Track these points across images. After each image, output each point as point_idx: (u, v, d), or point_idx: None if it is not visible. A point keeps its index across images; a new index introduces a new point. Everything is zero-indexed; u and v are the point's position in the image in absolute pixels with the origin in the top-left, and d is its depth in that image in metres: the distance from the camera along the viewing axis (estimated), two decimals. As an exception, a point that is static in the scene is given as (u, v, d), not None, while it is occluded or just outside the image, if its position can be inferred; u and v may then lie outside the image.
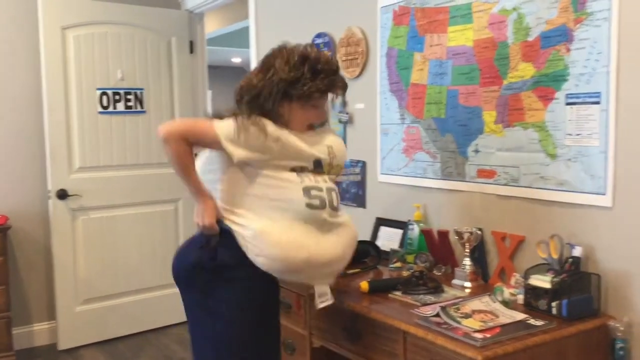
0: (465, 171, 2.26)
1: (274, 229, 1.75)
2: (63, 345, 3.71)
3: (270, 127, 1.76)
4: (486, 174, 2.18)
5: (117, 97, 3.81)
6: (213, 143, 1.78)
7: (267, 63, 1.83)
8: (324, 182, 1.83)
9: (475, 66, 2.19)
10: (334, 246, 1.84)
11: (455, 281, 2.11)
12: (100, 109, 3.75)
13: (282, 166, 1.79)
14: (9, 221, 3.52)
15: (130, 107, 3.86)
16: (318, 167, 1.84)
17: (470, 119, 2.22)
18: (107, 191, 3.81)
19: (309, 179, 1.80)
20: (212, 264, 1.78)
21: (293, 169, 1.79)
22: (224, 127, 1.76)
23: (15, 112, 3.67)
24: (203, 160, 1.89)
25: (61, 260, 3.67)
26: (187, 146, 1.78)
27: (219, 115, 1.85)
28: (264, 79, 1.79)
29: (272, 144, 1.75)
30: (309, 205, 1.77)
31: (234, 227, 1.79)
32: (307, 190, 1.78)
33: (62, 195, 3.64)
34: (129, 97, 3.85)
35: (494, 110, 2.13)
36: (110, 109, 3.79)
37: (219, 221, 1.80)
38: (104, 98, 3.76)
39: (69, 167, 3.67)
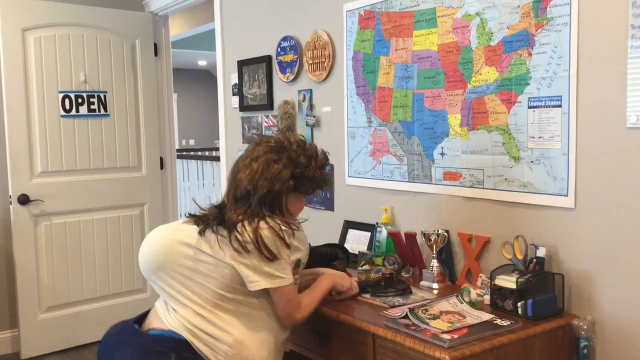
0: (431, 173, 2.27)
1: (251, 343, 1.75)
2: (26, 353, 3.61)
3: (287, 236, 1.76)
4: (452, 176, 2.19)
5: (80, 100, 3.73)
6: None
7: (268, 159, 1.81)
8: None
9: (440, 70, 2.21)
10: None
11: (423, 283, 2.12)
12: (63, 113, 3.66)
13: None
14: (-32, 228, 3.40)
15: (93, 111, 3.78)
16: (297, 267, 1.83)
17: (436, 122, 2.24)
18: (70, 196, 3.72)
19: None
20: None
21: None
22: (287, 276, 1.77)
23: (-26, 116, 3.56)
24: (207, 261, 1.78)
25: (23, 267, 3.57)
26: (298, 307, 1.83)
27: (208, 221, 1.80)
28: (272, 175, 1.79)
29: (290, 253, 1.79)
30: (283, 327, 1.85)
31: (208, 328, 1.73)
32: None
33: (24, 200, 3.55)
34: (92, 100, 3.77)
35: (459, 114, 2.15)
36: (73, 112, 3.70)
37: (170, 332, 1.74)
38: (67, 101, 3.68)
39: (31, 171, 3.58)
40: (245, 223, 1.74)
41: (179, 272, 1.77)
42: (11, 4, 3.48)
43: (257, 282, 1.72)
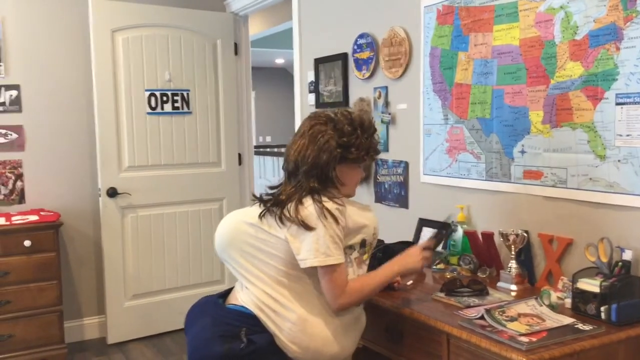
0: (510, 172, 2.22)
1: (315, 320, 1.77)
2: (112, 339, 3.81)
3: (338, 213, 1.75)
4: (533, 175, 2.13)
5: (164, 98, 3.88)
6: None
7: (315, 132, 1.82)
8: (361, 273, 1.84)
9: (522, 65, 2.15)
10: (354, 343, 1.87)
11: (500, 284, 2.07)
12: (149, 110, 3.83)
13: None
14: (61, 218, 3.63)
15: (177, 108, 3.93)
16: (363, 247, 1.84)
17: (516, 119, 2.18)
18: (154, 190, 3.89)
19: (354, 270, 1.81)
20: (245, 351, 1.73)
21: (344, 251, 1.78)
22: (334, 254, 1.73)
23: (68, 114, 3.79)
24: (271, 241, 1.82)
25: (111, 257, 3.77)
26: (342, 291, 1.77)
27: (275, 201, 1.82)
28: (319, 147, 1.80)
29: (342, 232, 1.76)
30: (351, 309, 1.83)
31: (273, 305, 1.77)
32: None
33: (112, 193, 3.74)
34: (176, 98, 3.92)
35: (541, 110, 2.08)
36: (158, 109, 3.86)
37: (242, 307, 1.80)
38: (152, 99, 3.84)
39: (119, 166, 3.77)
40: (293, 199, 1.77)
41: (245, 250, 1.83)
42: (102, 7, 3.67)
43: (303, 260, 1.73)
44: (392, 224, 2.83)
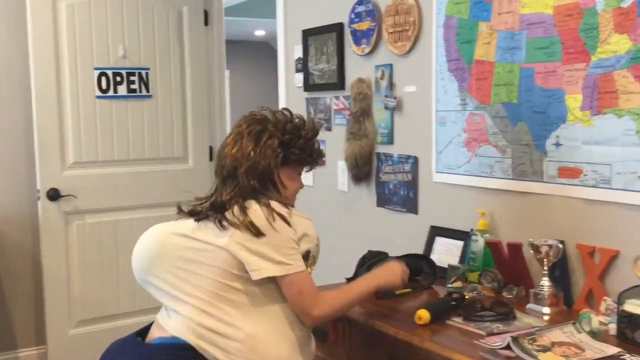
0: (542, 169, 2.22)
1: (266, 337, 1.83)
2: (54, 374, 3.79)
3: (289, 217, 1.88)
4: (570, 172, 2.14)
5: (118, 78, 3.86)
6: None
7: (254, 130, 1.95)
8: None
9: (556, 39, 2.15)
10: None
11: (530, 306, 2.08)
12: (99, 93, 3.81)
13: None
14: (-8, 227, 3.60)
15: (133, 91, 3.91)
16: (306, 259, 1.93)
17: (549, 104, 2.18)
18: (106, 191, 3.87)
19: None
20: None
21: None
22: (295, 262, 1.86)
23: (-1, 98, 3.76)
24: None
25: (52, 273, 3.74)
26: (315, 300, 1.89)
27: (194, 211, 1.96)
28: (260, 145, 1.93)
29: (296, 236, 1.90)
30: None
31: (215, 325, 1.81)
32: None
33: (54, 195, 3.71)
34: (132, 78, 3.90)
35: (580, 94, 2.09)
36: (110, 92, 3.84)
37: (173, 339, 1.84)
38: (103, 80, 3.82)
39: (62, 162, 3.74)
40: (234, 203, 1.87)
41: (177, 266, 1.89)
42: (42, -33, 3.64)
43: (258, 271, 1.82)
44: (398, 233, 2.83)
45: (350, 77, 3.09)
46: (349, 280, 2.44)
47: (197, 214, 1.93)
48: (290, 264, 1.83)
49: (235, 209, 1.86)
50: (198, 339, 1.81)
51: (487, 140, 2.41)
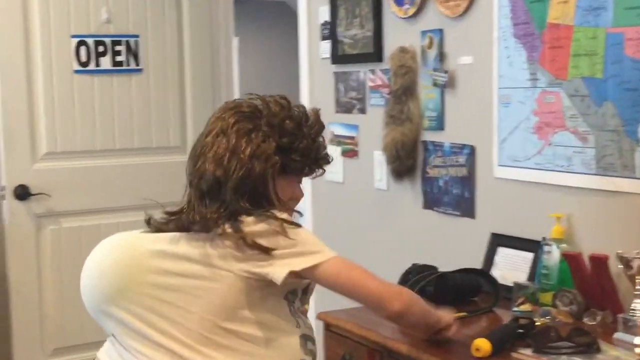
0: (635, 162, 2.21)
1: None
2: (23, 415, 3.83)
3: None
4: (669, 166, 2.12)
5: (100, 48, 3.90)
6: None
7: (241, 129, 1.88)
8: (310, 325, 1.95)
9: (653, -4, 2.13)
10: None
11: (619, 335, 2.06)
12: (77, 67, 3.84)
13: (279, 292, 1.86)
14: (-53, 232, 3.65)
15: (120, 64, 3.95)
16: (305, 294, 1.95)
17: (643, 79, 2.16)
18: (86, 188, 3.91)
19: (303, 320, 1.91)
20: None
21: (285, 297, 1.88)
22: (324, 247, 1.89)
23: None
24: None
25: (21, 292, 3.79)
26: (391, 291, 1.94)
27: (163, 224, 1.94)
28: (250, 152, 1.85)
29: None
30: None
31: None
32: (304, 340, 1.89)
33: (22, 194, 3.76)
34: (118, 48, 3.94)
35: (683, 66, 2.07)
36: (92, 66, 3.88)
37: None
38: (82, 50, 3.86)
39: (32, 153, 3.79)
40: (223, 223, 1.81)
41: (150, 294, 1.83)
42: None
43: (282, 268, 1.78)
44: (450, 242, 2.82)
45: (390, 45, 3.08)
46: None
47: (173, 231, 1.90)
48: (320, 250, 1.84)
49: (228, 230, 1.81)
50: None
51: (564, 125, 2.40)
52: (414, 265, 2.49)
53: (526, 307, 2.26)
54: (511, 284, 2.37)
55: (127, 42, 3.96)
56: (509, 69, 2.57)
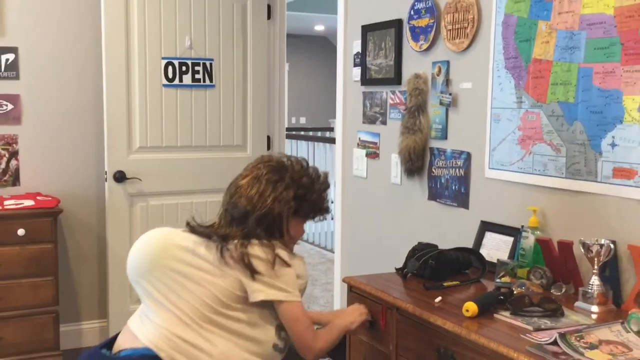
0: (597, 169, 2.18)
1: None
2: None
3: (288, 259, 1.97)
4: (625, 173, 2.09)
5: (184, 68, 3.93)
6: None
7: (271, 178, 2.00)
8: None
9: (616, 39, 2.10)
10: None
11: (578, 304, 2.04)
12: (165, 82, 3.88)
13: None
14: (61, 204, 3.71)
15: (198, 80, 3.97)
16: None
17: (606, 104, 2.14)
18: (169, 175, 3.96)
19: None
20: None
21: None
22: (295, 290, 1.97)
23: (73, 84, 3.86)
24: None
25: (116, 252, 3.83)
26: (313, 334, 2.04)
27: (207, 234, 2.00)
28: (275, 196, 1.98)
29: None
30: (275, 347, 1.98)
31: (193, 338, 1.85)
32: (279, 329, 1.98)
33: (120, 177, 3.80)
34: (197, 68, 3.96)
35: (638, 95, 2.04)
36: (176, 81, 3.91)
37: (144, 349, 1.87)
38: (170, 69, 3.89)
39: (128, 146, 3.83)
40: (237, 241, 1.93)
41: (170, 276, 1.93)
42: (116, -40, 3.72)
43: (259, 292, 1.89)
44: (449, 227, 2.81)
45: (407, 72, 3.06)
46: (397, 270, 2.44)
47: (201, 235, 1.99)
48: (291, 292, 1.93)
49: (238, 244, 1.92)
50: (172, 349, 1.84)
51: (542, 139, 2.37)
52: (419, 243, 2.48)
53: (506, 279, 2.25)
54: (495, 261, 2.37)
55: (204, 63, 4.00)
56: (500, 93, 2.55)
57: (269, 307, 1.95)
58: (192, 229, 2.03)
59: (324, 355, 2.13)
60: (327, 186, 2.14)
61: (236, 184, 2.04)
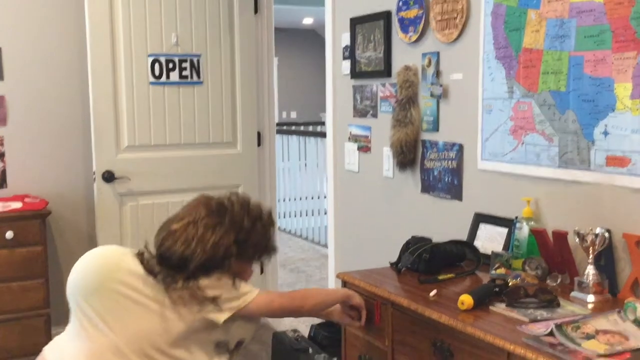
0: (590, 158, 2.18)
1: None
2: (107, 349, 3.87)
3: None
4: (617, 161, 2.09)
5: (170, 65, 3.92)
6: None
7: (208, 223, 1.92)
8: None
9: (607, 27, 2.10)
10: None
11: (574, 294, 2.05)
12: (152, 79, 3.87)
13: (208, 340, 1.93)
14: (49, 206, 3.70)
15: (185, 77, 3.96)
16: (237, 347, 2.02)
17: (598, 92, 2.14)
18: (158, 174, 3.94)
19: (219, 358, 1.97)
20: None
21: (217, 344, 1.96)
22: (249, 287, 1.99)
23: (58, 83, 3.85)
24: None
25: (106, 252, 3.82)
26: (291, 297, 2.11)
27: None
28: (213, 242, 1.90)
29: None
30: None
31: None
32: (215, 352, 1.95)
33: (109, 177, 3.79)
34: (184, 65, 3.95)
35: (630, 82, 2.04)
36: (163, 78, 3.90)
37: None
38: (156, 66, 3.88)
39: (117, 145, 3.82)
40: (182, 283, 1.87)
41: (115, 299, 1.86)
42: (99, -44, 3.70)
43: (224, 312, 1.89)
44: (442, 219, 2.81)
45: (397, 64, 3.06)
46: (391, 264, 2.44)
47: (148, 271, 1.91)
48: (248, 291, 1.94)
49: (184, 286, 1.87)
50: None
51: (534, 129, 2.38)
52: (413, 237, 2.48)
53: (501, 270, 2.25)
54: (490, 253, 2.37)
55: (191, 60, 3.98)
56: (491, 83, 2.55)
57: (213, 347, 1.95)
58: (142, 260, 1.94)
59: (316, 315, 2.21)
60: (272, 224, 2.08)
61: (170, 224, 1.95)
